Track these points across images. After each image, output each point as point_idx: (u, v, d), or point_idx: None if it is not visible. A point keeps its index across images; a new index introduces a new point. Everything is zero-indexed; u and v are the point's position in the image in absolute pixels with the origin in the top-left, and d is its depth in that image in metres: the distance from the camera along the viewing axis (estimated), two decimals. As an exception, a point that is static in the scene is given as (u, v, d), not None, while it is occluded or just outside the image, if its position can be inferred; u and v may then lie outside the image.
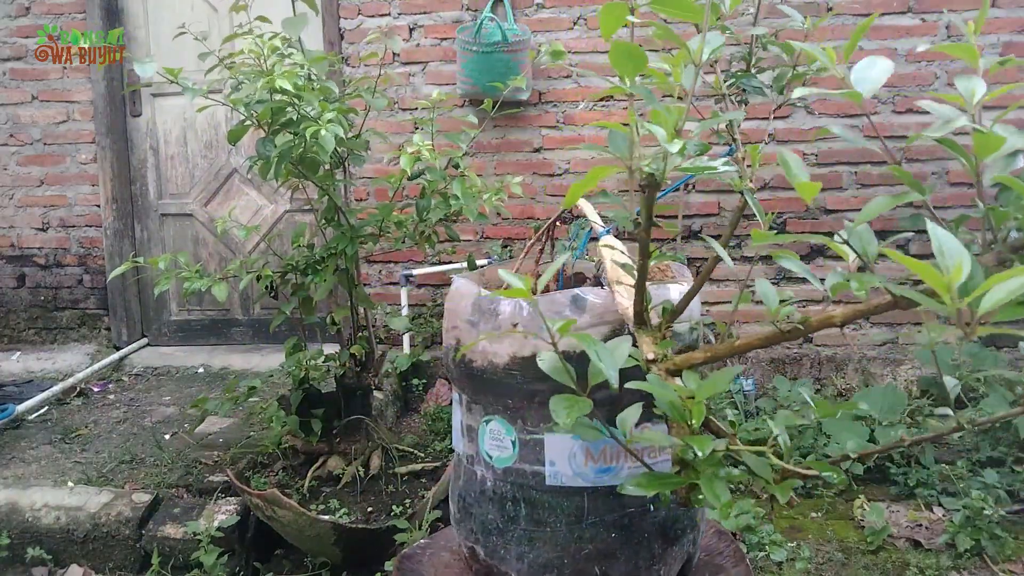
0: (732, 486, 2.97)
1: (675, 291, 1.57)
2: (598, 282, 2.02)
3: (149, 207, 4.41)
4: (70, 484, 2.86)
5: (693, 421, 1.13)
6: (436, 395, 3.71)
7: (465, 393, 1.70)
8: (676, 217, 3.84)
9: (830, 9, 3.71)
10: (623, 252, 1.59)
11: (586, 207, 1.78)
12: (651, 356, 1.26)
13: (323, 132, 2.27)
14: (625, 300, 1.43)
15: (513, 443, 1.61)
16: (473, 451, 1.69)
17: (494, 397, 1.62)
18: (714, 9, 1.27)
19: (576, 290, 1.60)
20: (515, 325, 1.56)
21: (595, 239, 1.89)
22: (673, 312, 1.35)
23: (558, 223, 1.90)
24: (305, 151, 2.42)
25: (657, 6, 1.13)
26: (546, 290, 2.05)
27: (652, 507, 1.67)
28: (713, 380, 1.17)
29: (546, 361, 1.22)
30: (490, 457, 1.65)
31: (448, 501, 1.88)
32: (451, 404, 1.85)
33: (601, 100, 3.92)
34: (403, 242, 2.75)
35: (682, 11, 1.11)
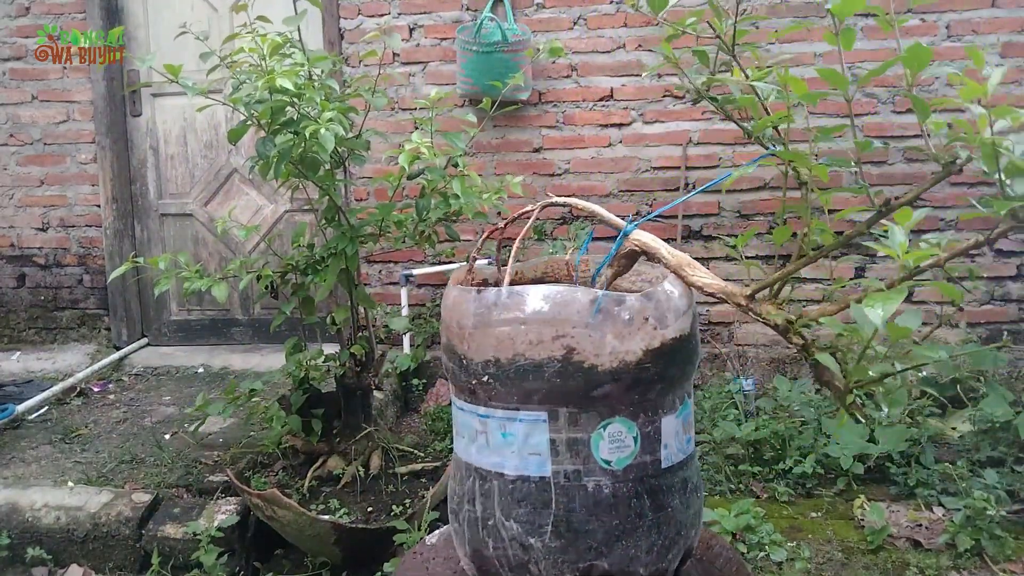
0: (732, 485, 2.99)
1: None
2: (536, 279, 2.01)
3: (149, 207, 4.41)
4: (70, 484, 2.86)
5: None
6: (436, 395, 3.71)
7: (570, 406, 1.59)
8: (676, 217, 3.84)
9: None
10: (660, 243, 1.67)
11: (595, 208, 1.76)
12: (789, 319, 1.51)
13: (323, 131, 2.26)
14: (714, 280, 1.60)
15: (635, 439, 1.60)
16: (579, 465, 1.60)
17: (617, 398, 1.59)
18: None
19: (670, 280, 1.66)
20: (646, 319, 1.56)
21: (599, 239, 1.89)
22: (782, 287, 1.58)
23: (565, 223, 1.89)
24: (305, 150, 2.42)
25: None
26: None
27: (698, 462, 1.80)
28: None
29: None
30: (608, 463, 1.60)
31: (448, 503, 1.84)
32: (488, 423, 1.68)
33: (601, 100, 3.92)
34: (403, 242, 2.75)
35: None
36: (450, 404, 1.84)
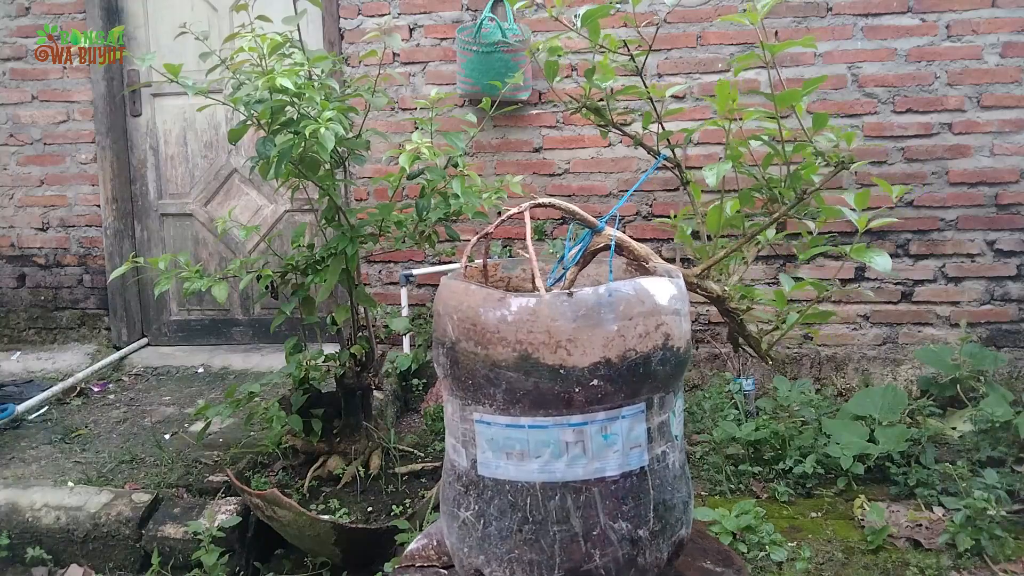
0: (732, 485, 3.01)
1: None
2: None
3: (149, 207, 4.41)
4: (70, 484, 2.86)
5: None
6: (436, 395, 3.71)
7: (659, 391, 1.65)
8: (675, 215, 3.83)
9: (830, 9, 3.71)
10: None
11: (573, 207, 1.81)
12: (724, 289, 1.97)
13: (323, 131, 2.26)
14: (670, 265, 1.84)
15: (681, 411, 1.73)
16: (665, 446, 1.67)
17: (681, 375, 1.70)
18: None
19: (669, 271, 1.77)
20: (687, 302, 1.71)
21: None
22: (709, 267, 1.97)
23: (564, 223, 1.93)
24: (305, 150, 2.42)
25: None
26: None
27: None
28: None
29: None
30: (676, 437, 1.69)
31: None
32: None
33: (600, 100, 3.90)
34: (403, 242, 2.75)
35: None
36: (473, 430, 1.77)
